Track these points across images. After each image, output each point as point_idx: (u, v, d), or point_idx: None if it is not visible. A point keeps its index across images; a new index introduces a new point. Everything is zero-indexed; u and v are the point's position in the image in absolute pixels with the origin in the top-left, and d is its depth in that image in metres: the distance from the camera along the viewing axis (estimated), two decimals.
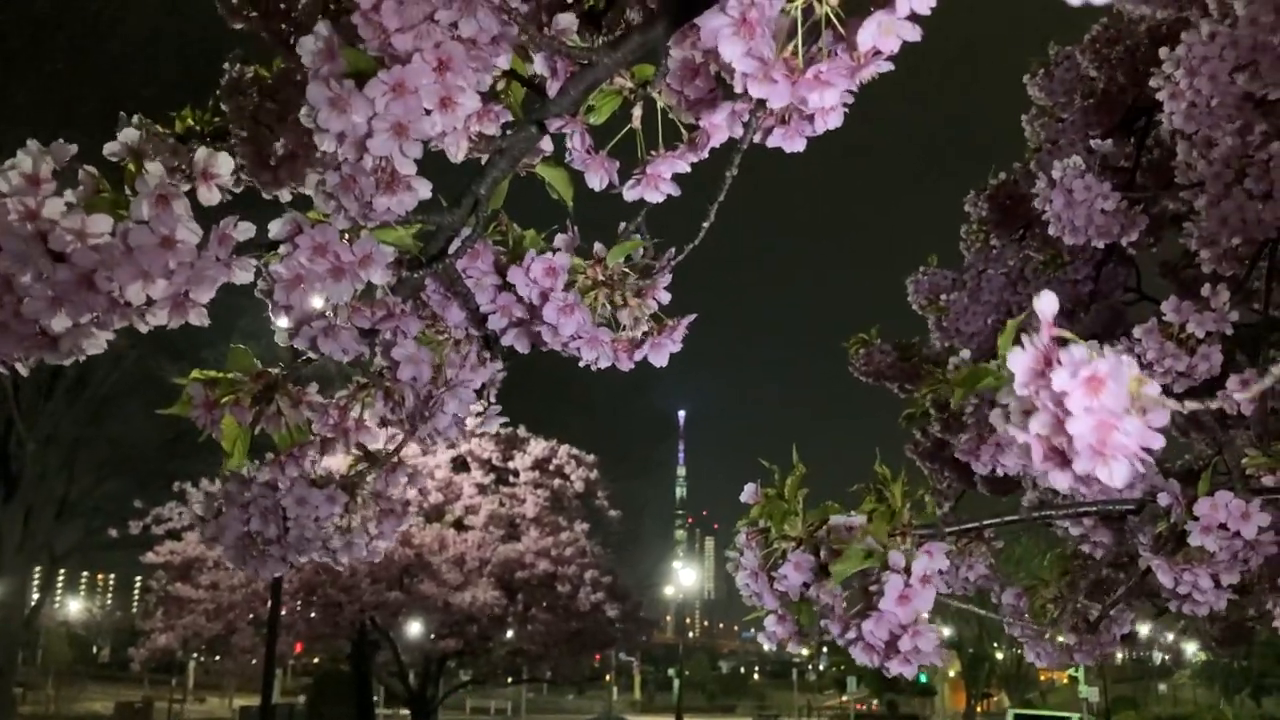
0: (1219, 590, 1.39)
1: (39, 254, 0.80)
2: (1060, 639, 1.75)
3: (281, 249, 0.87)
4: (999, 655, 32.78)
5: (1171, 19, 2.29)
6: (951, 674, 37.17)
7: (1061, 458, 0.77)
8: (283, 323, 0.91)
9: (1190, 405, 0.77)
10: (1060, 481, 0.80)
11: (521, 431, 16.57)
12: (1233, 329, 1.65)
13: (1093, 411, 0.73)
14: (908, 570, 1.14)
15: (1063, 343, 0.80)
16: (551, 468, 16.75)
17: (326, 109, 0.75)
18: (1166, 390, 1.76)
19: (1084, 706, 25.85)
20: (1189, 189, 1.71)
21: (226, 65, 1.12)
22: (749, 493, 1.39)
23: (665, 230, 1.08)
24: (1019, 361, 0.78)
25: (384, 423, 1.09)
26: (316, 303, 0.93)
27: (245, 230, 0.85)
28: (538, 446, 16.57)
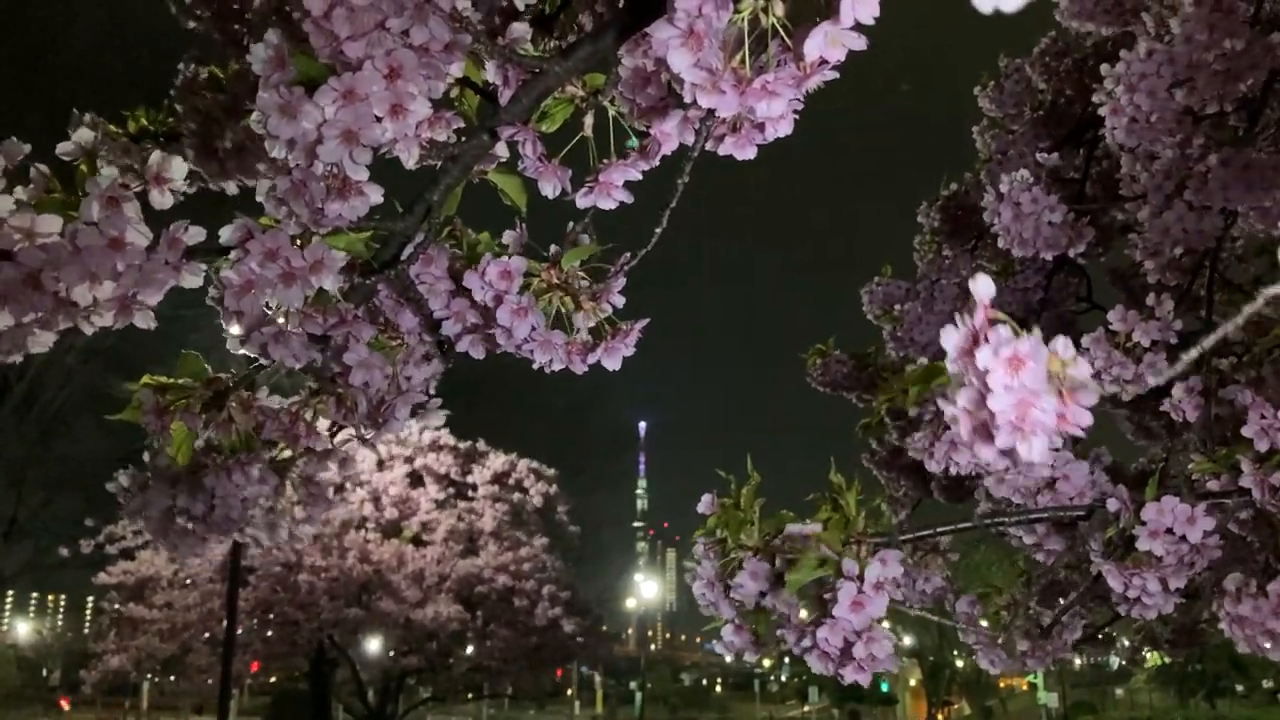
0: (1167, 593, 1.42)
1: None
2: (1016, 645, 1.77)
3: (232, 254, 0.87)
4: (959, 663, 33.01)
5: (1118, 33, 2.34)
6: (913, 682, 37.32)
7: (987, 432, 0.79)
8: (234, 329, 0.91)
9: (1110, 389, 0.80)
10: (986, 454, 0.82)
11: (481, 445, 16.48)
12: (1178, 338, 1.68)
13: (1012, 389, 0.75)
14: (861, 577, 1.16)
15: (995, 323, 0.82)
16: (511, 482, 16.67)
17: (276, 115, 0.75)
18: (1115, 399, 1.80)
19: (1043, 713, 26.09)
20: (1134, 200, 1.74)
21: (181, 66, 1.11)
22: (705, 503, 1.40)
23: (623, 235, 1.09)
24: (951, 338, 0.79)
25: (336, 428, 1.08)
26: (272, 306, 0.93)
27: (195, 234, 0.85)
28: (497, 460, 16.48)
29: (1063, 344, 0.82)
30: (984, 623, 1.72)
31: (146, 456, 1.10)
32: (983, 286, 0.80)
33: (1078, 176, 2.54)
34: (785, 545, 1.30)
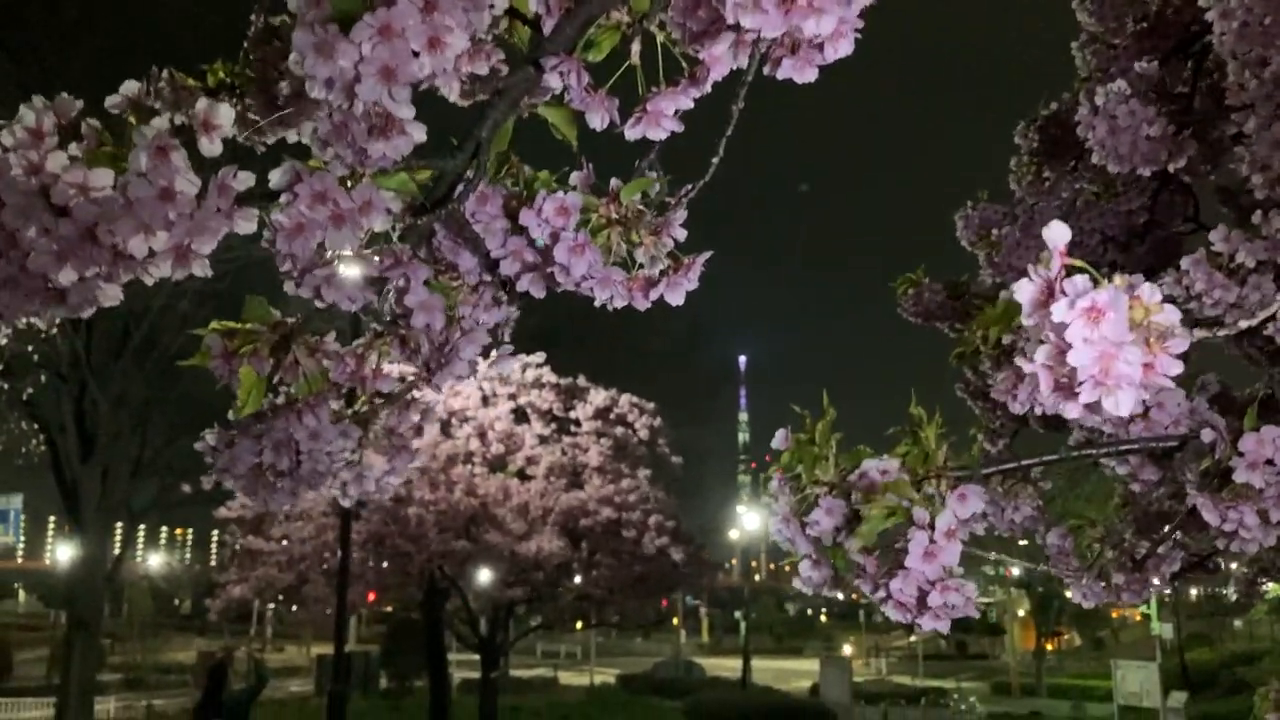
0: (1268, 526, 1.35)
1: (41, 208, 0.80)
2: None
3: (282, 198, 0.86)
4: (1069, 593, 32.50)
5: None
6: (1021, 613, 36.88)
7: (1070, 388, 0.75)
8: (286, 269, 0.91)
9: (1200, 334, 0.74)
10: (1070, 411, 0.78)
11: (581, 381, 16.65)
12: None
13: (1092, 343, 0.71)
14: (933, 525, 1.12)
15: (1072, 272, 0.77)
16: (613, 416, 16.82)
17: (313, 55, 0.74)
18: (1218, 322, 1.71)
19: (1157, 644, 25.61)
20: (1241, 111, 1.63)
21: (253, 16, 1.11)
22: (780, 438, 1.38)
23: (684, 166, 1.06)
24: (1025, 292, 0.75)
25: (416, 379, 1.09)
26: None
27: (245, 180, 0.84)
28: (598, 396, 16.65)
29: (1148, 289, 0.77)
30: (1074, 556, 1.66)
31: (230, 414, 1.12)
32: (1057, 233, 0.76)
33: (1185, 90, 2.41)
34: (860, 483, 1.27)
